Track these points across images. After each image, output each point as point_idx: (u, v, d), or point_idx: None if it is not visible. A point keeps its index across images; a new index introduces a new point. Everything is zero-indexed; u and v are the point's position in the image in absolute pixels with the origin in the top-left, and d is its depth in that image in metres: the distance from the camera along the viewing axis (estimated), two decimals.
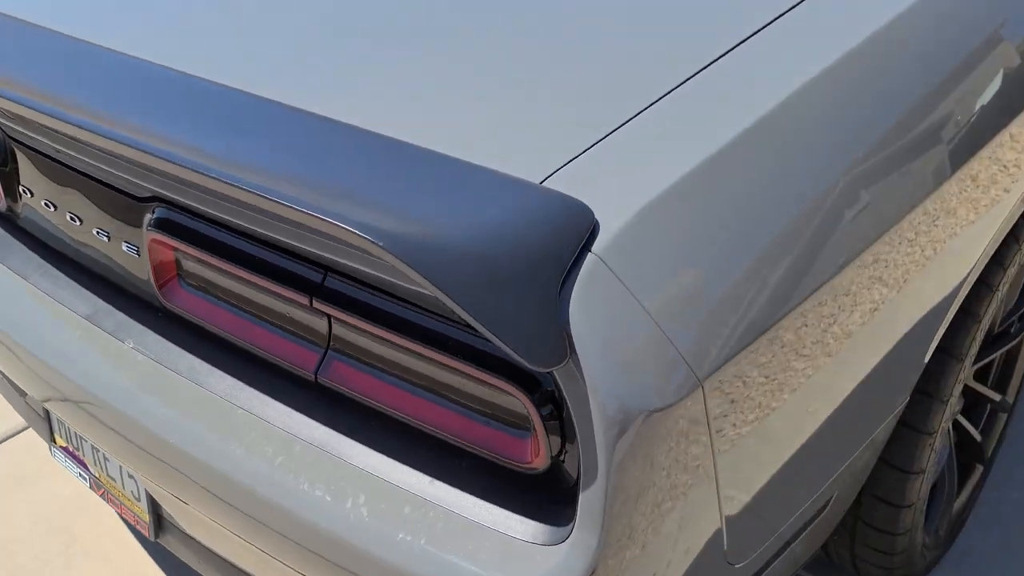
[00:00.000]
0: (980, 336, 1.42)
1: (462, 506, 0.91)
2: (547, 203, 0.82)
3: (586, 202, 0.83)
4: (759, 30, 1.03)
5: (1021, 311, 1.70)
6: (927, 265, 1.14)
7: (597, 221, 0.83)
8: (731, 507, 0.97)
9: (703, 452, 0.88)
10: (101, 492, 1.44)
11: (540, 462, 0.88)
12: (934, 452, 1.42)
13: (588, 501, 0.83)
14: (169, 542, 1.35)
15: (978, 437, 1.79)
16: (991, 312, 1.41)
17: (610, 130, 0.91)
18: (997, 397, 1.81)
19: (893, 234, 1.04)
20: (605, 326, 0.80)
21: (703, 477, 0.90)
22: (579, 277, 0.80)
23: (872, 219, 1.02)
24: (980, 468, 1.84)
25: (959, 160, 1.13)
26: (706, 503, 0.92)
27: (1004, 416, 1.87)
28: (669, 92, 0.95)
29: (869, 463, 1.31)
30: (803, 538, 1.21)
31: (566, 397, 0.81)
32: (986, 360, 1.74)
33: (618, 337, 0.81)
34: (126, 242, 1.20)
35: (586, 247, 0.81)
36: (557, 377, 0.81)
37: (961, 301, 1.28)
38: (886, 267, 1.05)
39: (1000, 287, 1.41)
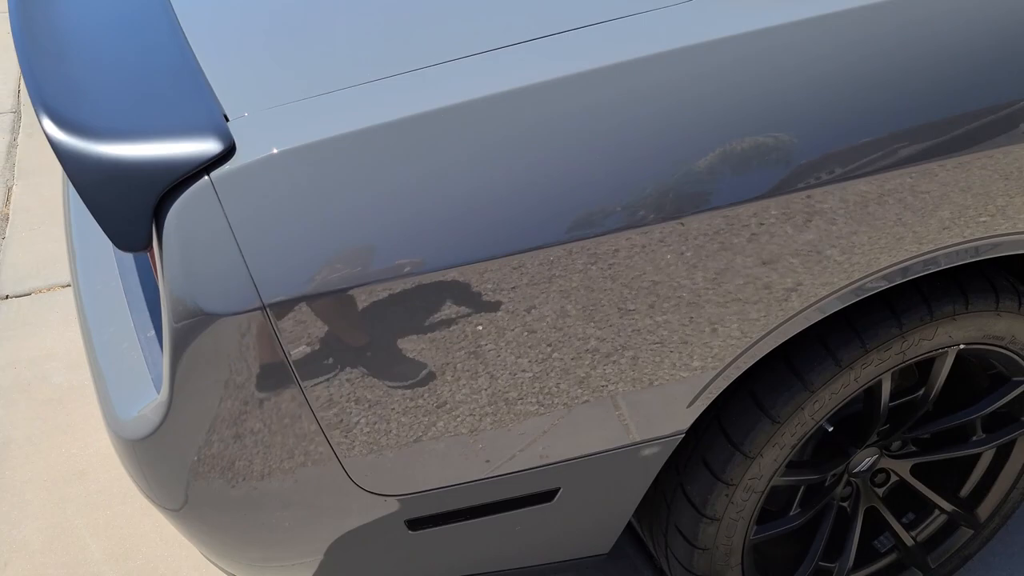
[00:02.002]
0: (822, 413, 1.33)
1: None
2: (195, 119, 1.01)
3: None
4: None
5: (969, 419, 1.52)
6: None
7: (233, 148, 1.01)
8: (344, 438, 1.11)
9: (283, 374, 1.04)
10: None
11: None
12: (733, 503, 1.37)
13: (163, 369, 1.04)
14: None
15: (908, 540, 1.64)
16: (839, 391, 1.32)
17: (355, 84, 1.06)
18: (948, 507, 1.62)
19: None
20: (192, 233, 0.99)
21: (291, 396, 1.06)
22: (192, 190, 0.99)
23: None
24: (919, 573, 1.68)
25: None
26: (298, 416, 1.08)
27: (968, 532, 1.67)
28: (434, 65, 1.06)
29: (631, 476, 1.31)
30: (518, 516, 1.29)
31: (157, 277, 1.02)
32: (930, 459, 1.59)
33: (200, 245, 0.99)
34: None
35: (210, 168, 1.00)
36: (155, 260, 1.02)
37: (763, 351, 1.22)
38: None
39: (856, 367, 1.31)
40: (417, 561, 1.33)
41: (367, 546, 1.28)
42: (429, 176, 1.03)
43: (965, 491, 1.68)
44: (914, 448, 1.59)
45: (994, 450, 1.64)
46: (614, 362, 1.17)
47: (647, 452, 1.29)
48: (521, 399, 1.16)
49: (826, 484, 1.54)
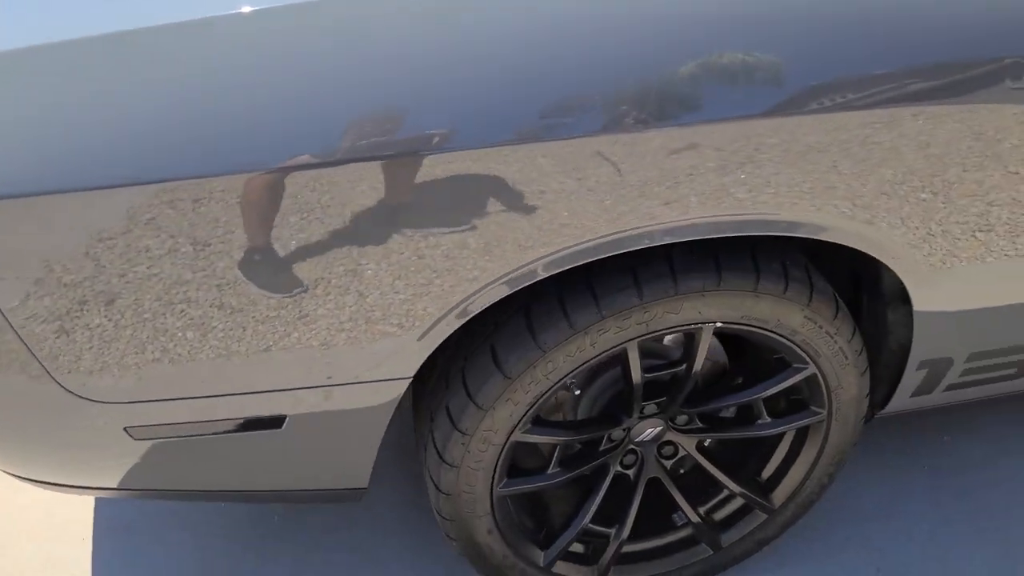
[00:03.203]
0: (558, 374, 1.32)
1: None
2: None
3: None
4: None
5: (744, 401, 1.50)
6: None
7: None
8: (47, 343, 1.17)
9: None
10: None
11: None
12: (469, 452, 1.38)
13: None
14: None
15: (693, 516, 1.63)
16: (574, 355, 1.30)
17: None
18: (735, 488, 1.60)
19: None
20: None
21: None
22: None
23: None
24: (708, 551, 1.67)
25: None
26: None
27: (763, 516, 1.65)
28: None
29: (364, 414, 1.33)
30: (248, 438, 1.33)
31: None
32: (715, 436, 1.57)
33: None
34: None
35: None
36: None
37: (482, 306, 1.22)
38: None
39: (592, 332, 1.29)
40: (149, 471, 1.38)
41: (96, 450, 1.33)
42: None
43: (765, 474, 1.66)
44: (700, 424, 1.57)
45: (792, 436, 1.61)
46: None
47: (372, 392, 1.31)
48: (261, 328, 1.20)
49: (600, 448, 1.54)
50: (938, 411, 2.11)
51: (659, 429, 1.55)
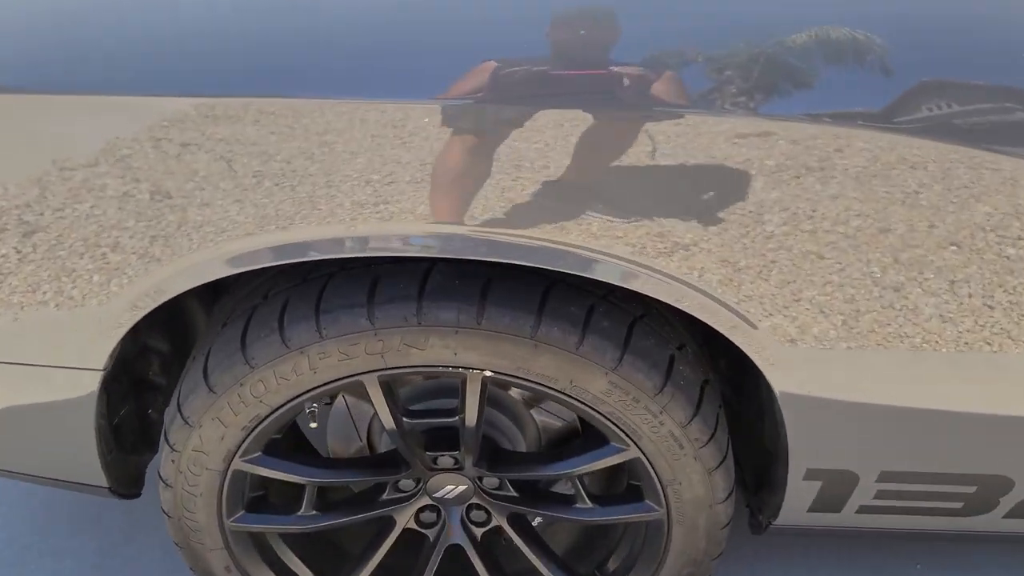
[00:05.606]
0: (273, 398, 1.05)
1: None
2: None
3: None
4: None
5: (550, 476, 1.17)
6: None
7: None
8: None
9: None
10: None
11: None
12: (181, 473, 1.12)
13: None
14: None
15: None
16: (289, 376, 1.03)
17: None
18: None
19: None
20: None
21: None
22: None
23: None
24: None
25: None
26: None
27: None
28: None
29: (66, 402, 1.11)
30: None
31: None
32: (526, 511, 1.25)
33: None
34: None
35: None
36: None
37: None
38: None
39: (311, 354, 1.00)
40: None
41: None
42: None
43: (611, 568, 1.31)
44: (514, 493, 1.25)
45: (641, 532, 1.26)
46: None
47: (63, 380, 1.09)
48: None
49: (382, 498, 1.25)
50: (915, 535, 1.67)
51: (464, 488, 1.24)
